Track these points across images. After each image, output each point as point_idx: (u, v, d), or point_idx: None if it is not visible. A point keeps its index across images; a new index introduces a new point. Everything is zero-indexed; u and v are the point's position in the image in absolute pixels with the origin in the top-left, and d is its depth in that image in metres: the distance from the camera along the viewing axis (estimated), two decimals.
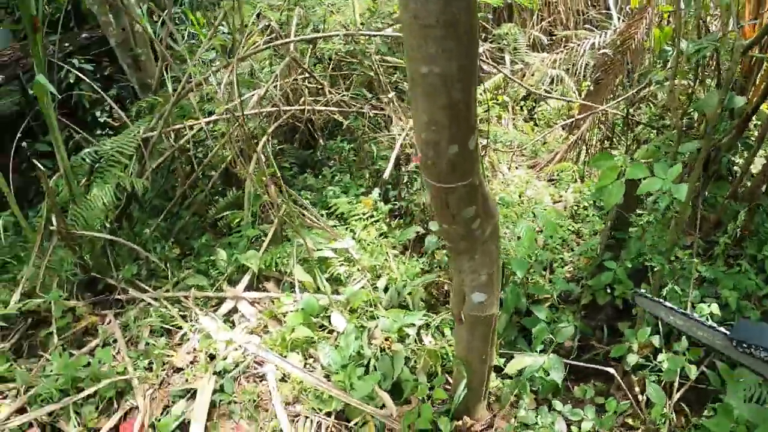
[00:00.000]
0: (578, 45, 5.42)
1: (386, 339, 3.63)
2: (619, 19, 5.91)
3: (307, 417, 3.31)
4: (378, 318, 3.74)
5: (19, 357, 3.69)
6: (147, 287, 4.08)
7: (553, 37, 6.43)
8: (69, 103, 5.97)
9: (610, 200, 3.17)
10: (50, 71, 4.58)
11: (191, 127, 4.30)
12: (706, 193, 3.83)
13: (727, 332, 1.26)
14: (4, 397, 3.42)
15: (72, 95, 5.84)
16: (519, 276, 3.87)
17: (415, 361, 3.57)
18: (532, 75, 5.61)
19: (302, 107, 4.32)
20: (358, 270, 4.13)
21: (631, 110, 4.76)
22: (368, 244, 4.29)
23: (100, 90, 4.63)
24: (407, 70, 1.88)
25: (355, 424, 3.27)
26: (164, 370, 3.53)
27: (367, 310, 3.84)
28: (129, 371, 3.47)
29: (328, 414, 3.31)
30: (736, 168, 4.04)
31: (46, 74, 3.46)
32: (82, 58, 5.67)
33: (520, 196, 4.31)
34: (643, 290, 1.40)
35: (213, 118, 4.17)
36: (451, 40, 1.71)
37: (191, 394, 3.36)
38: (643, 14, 4.56)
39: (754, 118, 3.76)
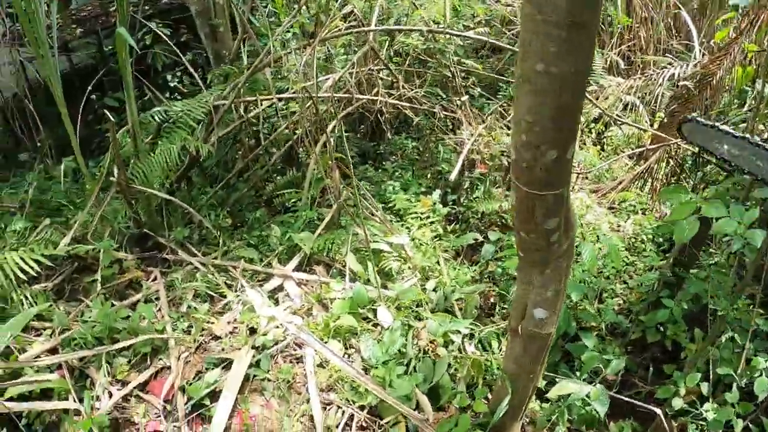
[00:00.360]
0: (657, 74, 5.26)
1: (431, 342, 3.54)
2: (700, 52, 5.74)
3: (339, 407, 3.23)
4: (425, 319, 3.65)
5: (59, 299, 3.70)
6: (196, 251, 4.06)
7: (631, 63, 6.28)
8: (142, 65, 6.02)
9: (682, 236, 3.06)
10: (129, 30, 4.60)
11: (262, 102, 4.27)
12: None
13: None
14: (38, 335, 3.43)
15: (146, 56, 5.89)
16: (573, 299, 3.76)
17: (456, 369, 3.48)
18: (606, 98, 5.47)
19: (374, 98, 4.27)
20: (409, 268, 4.06)
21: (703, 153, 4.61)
22: (422, 244, 4.22)
23: (175, 54, 4.63)
24: (517, 66, 1.80)
25: (387, 423, 3.18)
26: (202, 335, 3.49)
27: (414, 310, 3.76)
28: (167, 331, 3.45)
29: (362, 407, 3.22)
30: None
31: (128, 29, 3.48)
32: (160, 23, 5.71)
33: (579, 219, 4.19)
34: (694, 115, 1.25)
35: (287, 95, 4.13)
36: (574, 40, 1.63)
37: (226, 364, 3.31)
38: (727, 50, 4.41)
39: None
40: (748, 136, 1.21)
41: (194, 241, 4.16)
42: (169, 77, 5.81)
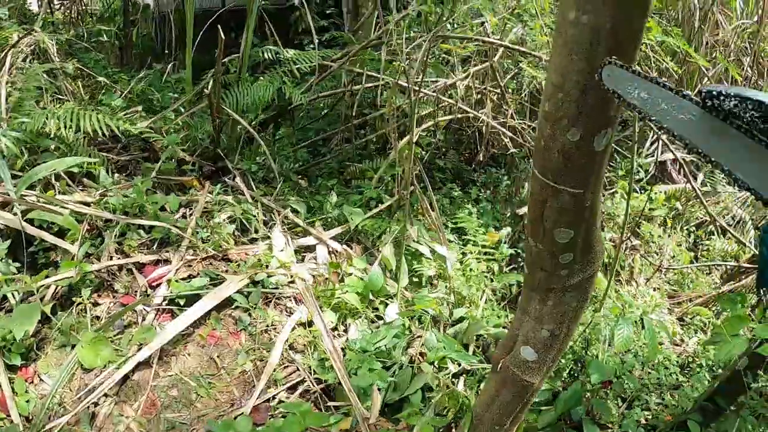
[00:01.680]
0: None
1: (421, 354, 3.31)
2: None
3: (298, 370, 3.10)
4: (429, 333, 3.43)
5: (119, 171, 3.92)
6: (254, 187, 4.13)
7: None
8: (285, 25, 6.34)
9: (724, 354, 2.64)
10: None
11: (366, 80, 4.30)
12: None
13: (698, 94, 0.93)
14: (83, 189, 3.63)
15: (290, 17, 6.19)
16: (591, 382, 3.33)
17: (433, 392, 3.20)
18: (717, 203, 4.98)
19: (478, 114, 4.16)
20: (446, 286, 3.86)
21: None
22: (470, 270, 4.00)
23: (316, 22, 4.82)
24: (557, 14, 1.55)
25: (336, 408, 3.00)
26: (215, 250, 3.50)
27: (426, 321, 3.54)
28: (187, 231, 3.50)
29: (319, 381, 3.06)
30: None
31: None
32: None
33: (641, 317, 3.76)
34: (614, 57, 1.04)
35: (386, 79, 4.10)
36: None
37: (219, 281, 3.29)
38: None
39: None
40: (659, 79, 1.06)
41: (257, 178, 4.24)
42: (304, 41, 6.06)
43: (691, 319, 4.37)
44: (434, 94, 4.09)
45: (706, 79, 5.75)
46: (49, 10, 6.19)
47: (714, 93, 0.94)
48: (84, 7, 7.50)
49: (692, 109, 1.02)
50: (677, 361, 3.91)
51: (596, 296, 4.03)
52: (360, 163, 4.51)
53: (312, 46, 4.91)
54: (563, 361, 3.51)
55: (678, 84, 6.10)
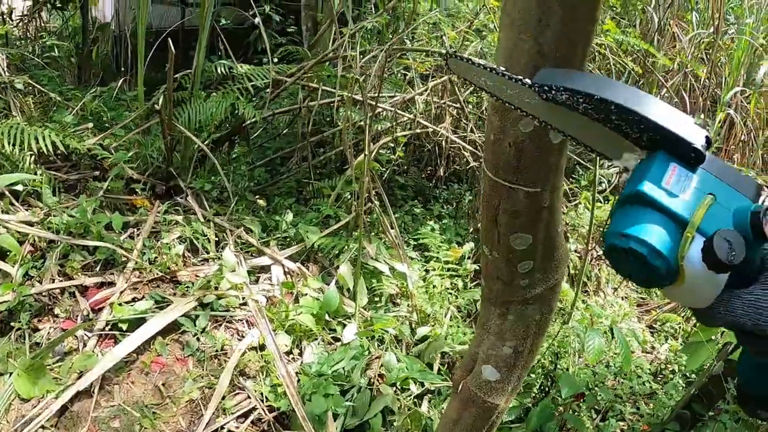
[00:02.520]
0: None
1: (381, 376, 3.18)
2: None
3: (249, 397, 2.95)
4: (389, 353, 3.30)
5: (66, 191, 3.76)
6: (207, 206, 3.99)
7: None
8: (244, 42, 6.27)
9: (695, 361, 2.58)
10: (243, 6, 4.84)
11: (321, 96, 4.22)
12: None
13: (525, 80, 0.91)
14: (28, 209, 3.46)
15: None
16: (562, 396, 3.21)
17: (394, 415, 3.08)
18: None
19: (437, 128, 4.09)
20: (408, 304, 3.74)
21: None
22: (434, 287, 3.89)
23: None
24: None
25: None
26: (163, 272, 3.35)
27: (387, 341, 3.42)
28: (133, 252, 3.35)
29: (271, 408, 2.91)
30: None
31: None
32: (275, 7, 5.93)
33: (611, 327, 3.69)
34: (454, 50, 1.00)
35: (341, 94, 4.02)
36: None
37: (166, 304, 3.13)
38: None
39: None
40: (497, 67, 1.03)
41: (211, 198, 4.10)
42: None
43: (661, 326, 4.34)
44: (392, 109, 4.02)
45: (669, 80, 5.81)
46: (1, 24, 6.03)
47: (545, 87, 0.89)
48: (43, 24, 7.33)
49: (530, 88, 0.96)
50: (650, 369, 3.85)
51: (564, 308, 3.96)
52: (319, 181, 4.40)
53: (273, 62, 4.82)
54: (533, 375, 3.41)
55: (641, 84, 6.17)
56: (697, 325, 2.82)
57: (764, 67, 5.40)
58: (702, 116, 5.98)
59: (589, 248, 3.84)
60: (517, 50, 1.35)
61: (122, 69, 5.81)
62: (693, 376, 3.69)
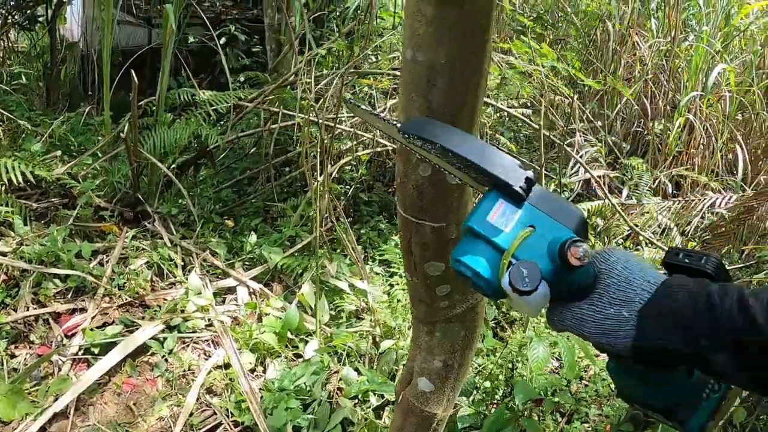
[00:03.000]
0: (698, 200, 4.91)
1: (340, 389, 3.33)
2: (750, 186, 5.36)
3: (215, 413, 3.09)
4: (346, 367, 3.45)
5: (37, 219, 3.91)
6: (174, 230, 4.13)
7: (680, 188, 5.93)
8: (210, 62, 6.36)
9: None
10: (212, 27, 4.95)
11: (282, 118, 4.35)
12: None
13: (398, 125, 1.07)
14: (0, 239, 3.60)
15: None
16: (516, 403, 3.36)
17: (354, 428, 3.23)
18: (643, 214, 5.14)
19: (393, 146, 4.24)
20: (371, 320, 3.88)
21: None
22: (398, 302, 4.03)
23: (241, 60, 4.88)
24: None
25: None
26: (132, 297, 3.51)
27: (345, 356, 3.56)
28: (103, 279, 3.50)
29: (236, 424, 3.06)
30: None
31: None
32: (240, 27, 6.06)
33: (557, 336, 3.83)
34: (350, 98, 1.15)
35: (299, 116, 4.15)
36: (445, 20, 1.35)
37: (135, 328, 3.30)
38: None
39: None
40: (380, 113, 1.23)
41: (178, 222, 4.24)
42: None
43: None
44: (351, 129, 4.17)
45: (624, 98, 5.98)
46: None
47: (406, 134, 1.04)
48: (10, 45, 7.35)
49: (398, 130, 1.11)
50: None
51: (522, 317, 4.11)
52: (285, 200, 4.54)
53: (237, 84, 4.96)
54: (491, 383, 3.55)
55: (600, 101, 6.36)
56: None
57: (715, 72, 5.58)
58: (663, 121, 6.17)
59: None
60: (410, 107, 1.51)
61: (90, 93, 5.89)
62: None
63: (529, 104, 5.15)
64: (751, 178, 5.66)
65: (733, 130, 5.83)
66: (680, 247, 0.91)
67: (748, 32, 6.34)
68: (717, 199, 4.79)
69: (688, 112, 5.97)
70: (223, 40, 5.82)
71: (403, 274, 4.18)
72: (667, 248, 0.98)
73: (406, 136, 1.04)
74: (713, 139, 5.91)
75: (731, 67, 5.69)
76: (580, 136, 5.71)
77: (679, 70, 6.42)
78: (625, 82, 6.44)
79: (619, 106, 6.31)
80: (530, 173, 0.90)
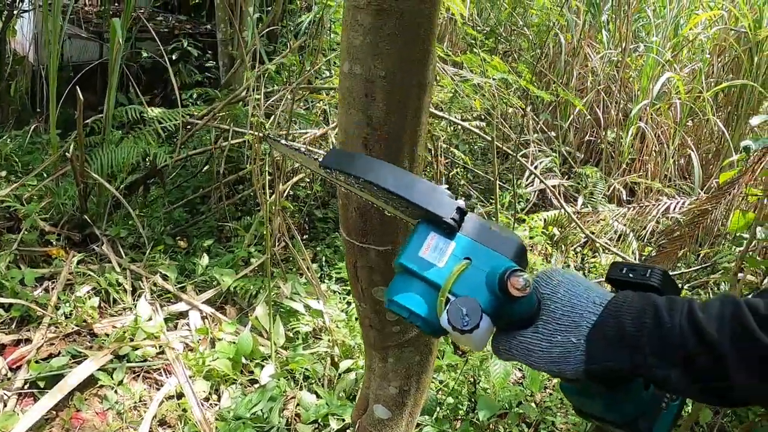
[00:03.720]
0: (651, 206, 5.00)
1: (297, 415, 3.25)
2: (702, 192, 5.49)
3: None
4: (303, 391, 3.36)
5: None
6: (123, 254, 3.99)
7: (634, 195, 6.05)
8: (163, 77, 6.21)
9: None
10: (162, 42, 4.83)
11: (236, 134, 4.26)
12: None
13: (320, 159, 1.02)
14: None
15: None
16: (480, 418, 3.31)
17: None
18: (597, 222, 5.20)
19: None
20: (328, 340, 3.80)
21: (687, 291, 4.26)
22: (356, 320, 3.95)
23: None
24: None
25: None
26: (79, 326, 3.38)
27: (301, 379, 3.47)
28: (48, 307, 3.37)
29: None
30: None
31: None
32: (194, 43, 5.95)
33: None
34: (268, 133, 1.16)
35: (249, 133, 4.07)
36: (382, 31, 1.30)
37: (83, 359, 3.16)
38: (727, 191, 4.10)
39: None
40: (301, 147, 1.25)
41: (127, 244, 4.10)
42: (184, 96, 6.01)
43: None
44: (303, 146, 4.09)
45: (576, 109, 6.05)
46: None
47: (329, 169, 1.00)
48: None
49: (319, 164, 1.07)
50: None
51: None
52: (239, 219, 4.44)
53: (189, 101, 4.85)
54: (453, 399, 3.50)
55: (553, 112, 6.43)
56: None
57: (662, 80, 5.68)
58: (615, 130, 6.26)
59: None
60: (348, 123, 1.47)
61: (39, 110, 5.71)
62: None
63: (482, 117, 5.16)
64: (703, 182, 5.78)
65: (684, 136, 5.95)
66: (624, 261, 0.90)
67: (696, 42, 6.50)
68: (671, 204, 4.87)
69: (640, 120, 6.08)
70: (175, 55, 5.69)
71: None
72: (612, 262, 0.96)
73: (329, 170, 1.00)
74: (665, 145, 6.03)
75: (679, 75, 5.81)
76: (535, 146, 5.76)
77: (631, 80, 6.55)
78: (577, 92, 6.53)
79: (572, 116, 6.39)
80: (461, 203, 0.86)
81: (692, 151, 5.76)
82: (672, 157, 6.02)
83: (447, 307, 0.79)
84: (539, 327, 0.81)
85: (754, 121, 5.12)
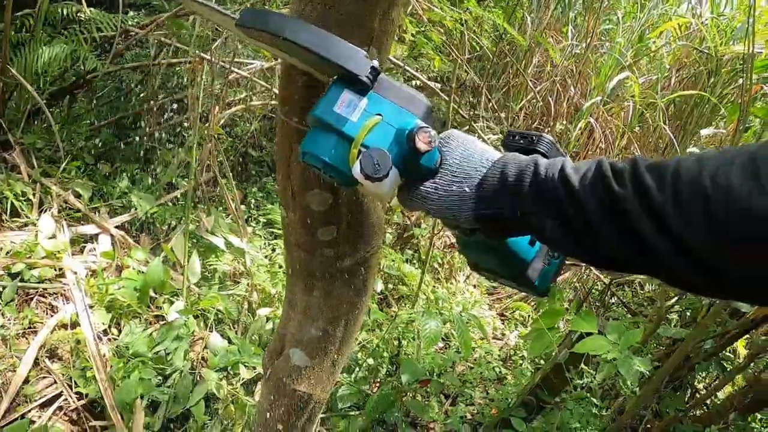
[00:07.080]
0: None
1: (203, 359, 3.01)
2: None
3: (55, 382, 2.68)
4: (213, 334, 3.11)
5: None
6: (36, 165, 3.61)
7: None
8: None
9: (536, 349, 2.69)
10: None
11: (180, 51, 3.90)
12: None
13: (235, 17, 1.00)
14: None
15: None
16: (403, 382, 3.14)
17: (219, 405, 2.91)
18: None
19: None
20: (247, 284, 3.54)
21: (613, 287, 4.29)
22: (279, 268, 3.71)
23: None
24: None
25: (103, 429, 2.63)
26: None
27: (219, 321, 3.23)
28: None
29: (79, 396, 2.67)
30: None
31: None
32: None
33: (461, 312, 3.71)
34: None
35: (193, 52, 3.74)
36: None
37: None
38: None
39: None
40: (216, 5, 1.18)
41: (43, 156, 3.72)
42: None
43: (511, 314, 4.51)
44: (248, 75, 3.79)
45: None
46: None
47: (248, 27, 0.95)
48: None
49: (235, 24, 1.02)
50: (499, 355, 3.93)
51: (411, 293, 3.95)
52: (170, 148, 4.11)
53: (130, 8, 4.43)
54: (375, 360, 3.34)
55: (507, 93, 6.37)
56: (540, 313, 2.92)
57: (620, 76, 5.69)
58: (564, 122, 6.25)
59: (436, 231, 3.80)
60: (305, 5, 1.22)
61: None
62: (543, 362, 3.80)
63: (438, 78, 5.04)
64: None
65: (631, 137, 6.00)
66: (517, 130, 0.97)
67: (658, 54, 6.54)
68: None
69: (591, 116, 6.07)
70: None
71: None
72: (506, 131, 1.16)
73: (246, 28, 0.97)
74: (611, 144, 6.06)
75: (635, 78, 5.82)
76: (483, 122, 5.67)
77: (588, 77, 6.55)
78: (534, 80, 6.49)
79: (524, 101, 6.34)
80: (375, 63, 0.89)
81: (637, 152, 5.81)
82: (617, 157, 6.05)
83: (359, 158, 0.84)
84: (437, 179, 0.88)
85: (705, 131, 5.22)
